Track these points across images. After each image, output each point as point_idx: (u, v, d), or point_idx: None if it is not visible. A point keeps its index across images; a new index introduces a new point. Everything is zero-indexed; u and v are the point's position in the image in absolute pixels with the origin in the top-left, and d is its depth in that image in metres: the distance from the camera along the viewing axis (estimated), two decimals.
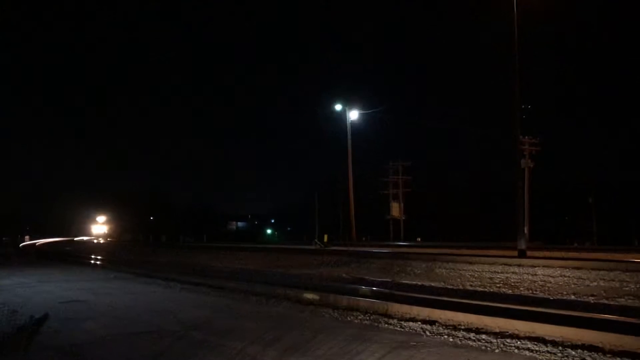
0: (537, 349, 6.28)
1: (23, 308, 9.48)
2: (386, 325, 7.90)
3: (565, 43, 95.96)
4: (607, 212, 48.26)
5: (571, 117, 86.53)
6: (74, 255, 32.29)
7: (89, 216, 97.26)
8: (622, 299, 9.78)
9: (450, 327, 7.61)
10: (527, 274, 12.95)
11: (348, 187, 37.27)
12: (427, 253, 18.57)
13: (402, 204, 52.78)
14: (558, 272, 12.76)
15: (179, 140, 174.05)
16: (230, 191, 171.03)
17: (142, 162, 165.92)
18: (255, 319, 8.22)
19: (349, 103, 38.50)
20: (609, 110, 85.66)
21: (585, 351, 6.10)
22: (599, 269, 12.44)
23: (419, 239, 45.19)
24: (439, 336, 7.05)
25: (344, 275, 15.26)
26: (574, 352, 6.07)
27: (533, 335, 6.86)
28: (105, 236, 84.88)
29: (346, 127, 37.57)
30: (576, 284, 11.47)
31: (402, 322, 8.03)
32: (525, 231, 20.17)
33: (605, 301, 9.67)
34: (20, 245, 53.05)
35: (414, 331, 7.40)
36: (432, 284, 12.63)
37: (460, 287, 12.16)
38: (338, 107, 38.32)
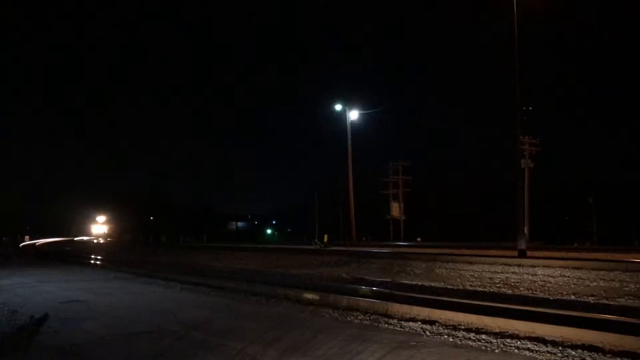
0: (537, 349, 6.28)
1: (23, 308, 9.48)
2: (386, 325, 7.90)
3: (565, 43, 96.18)
4: (607, 212, 48.29)
5: (571, 117, 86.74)
6: (74, 255, 32.30)
7: (89, 216, 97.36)
8: (622, 299, 9.78)
9: (450, 327, 7.61)
10: (527, 274, 12.94)
11: (348, 187, 37.27)
12: (427, 253, 18.56)
13: (402, 204, 52.80)
14: (558, 272, 12.75)
15: (179, 140, 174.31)
16: (230, 191, 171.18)
17: (142, 162, 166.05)
18: (255, 319, 8.22)
19: (349, 103, 38.55)
20: (609, 110, 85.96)
21: (585, 351, 6.10)
22: (599, 269, 12.44)
23: (419, 239, 45.22)
24: (439, 336, 7.05)
25: (344, 275, 15.25)
26: (574, 352, 6.07)
27: (533, 335, 6.86)
28: (105, 236, 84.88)
29: (346, 127, 37.60)
30: (576, 284, 11.46)
31: (402, 322, 8.03)
32: (525, 231, 20.17)
33: (605, 301, 9.66)
34: (20, 245, 53.12)
35: (414, 331, 7.40)
36: (432, 284, 12.63)
37: (460, 287, 12.16)
38: (338, 107, 38.34)
